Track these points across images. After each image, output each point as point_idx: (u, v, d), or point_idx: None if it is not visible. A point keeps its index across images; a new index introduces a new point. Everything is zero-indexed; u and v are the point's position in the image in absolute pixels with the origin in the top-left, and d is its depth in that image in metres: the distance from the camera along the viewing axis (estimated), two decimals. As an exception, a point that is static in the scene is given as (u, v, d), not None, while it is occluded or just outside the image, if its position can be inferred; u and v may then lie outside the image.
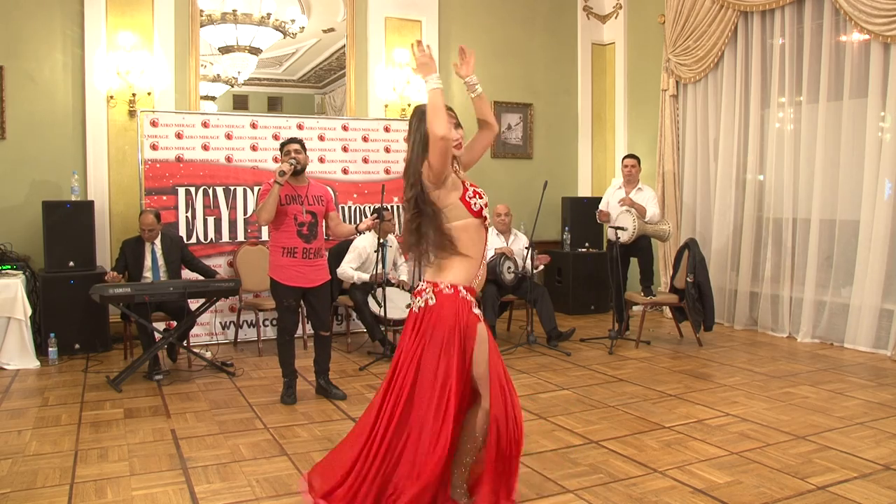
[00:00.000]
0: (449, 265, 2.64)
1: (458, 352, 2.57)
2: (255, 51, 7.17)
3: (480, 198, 2.67)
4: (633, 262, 6.58)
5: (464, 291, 2.62)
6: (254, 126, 6.40)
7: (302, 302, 4.53)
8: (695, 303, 5.95)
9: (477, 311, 2.64)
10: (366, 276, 5.82)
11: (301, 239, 4.34)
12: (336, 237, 4.87)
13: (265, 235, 6.40)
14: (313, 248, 4.38)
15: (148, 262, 5.42)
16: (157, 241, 5.46)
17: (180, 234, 6.03)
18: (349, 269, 5.78)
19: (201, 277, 5.52)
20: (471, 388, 2.64)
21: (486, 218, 2.68)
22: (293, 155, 4.32)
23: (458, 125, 2.72)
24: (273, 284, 4.42)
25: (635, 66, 8.06)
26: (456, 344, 2.57)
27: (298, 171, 4.35)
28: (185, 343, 5.36)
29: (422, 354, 2.60)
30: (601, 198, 6.88)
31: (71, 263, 5.70)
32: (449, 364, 2.56)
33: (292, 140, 4.42)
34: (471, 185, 2.68)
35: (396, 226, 6.25)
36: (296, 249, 4.33)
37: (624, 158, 6.66)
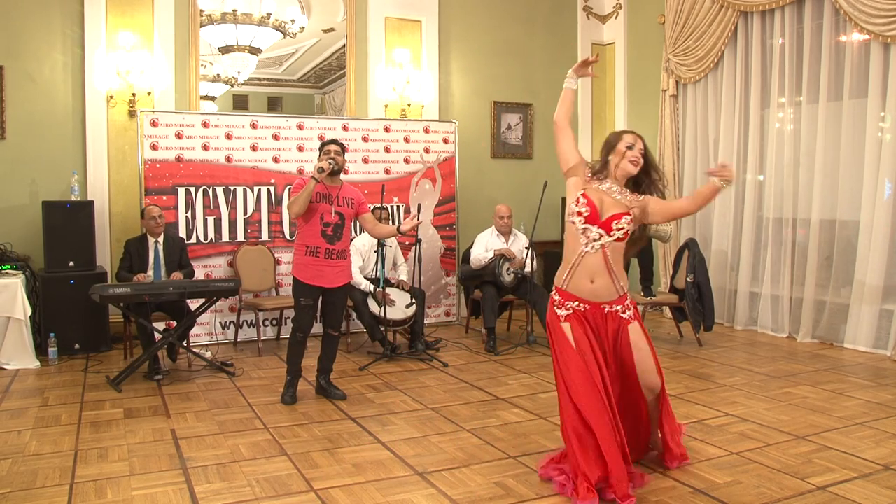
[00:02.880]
0: (562, 265, 3.12)
1: (553, 344, 3.08)
2: (255, 51, 7.17)
3: (584, 206, 2.99)
4: (634, 262, 6.57)
5: (554, 291, 3.09)
6: (254, 126, 6.40)
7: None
8: (695, 303, 5.95)
9: (561, 311, 3.02)
10: (364, 284, 5.83)
11: (324, 239, 4.37)
12: (376, 237, 4.95)
13: (265, 235, 6.41)
14: (336, 249, 4.42)
15: (151, 259, 5.43)
16: (161, 239, 5.48)
17: (181, 234, 6.03)
18: (357, 273, 5.79)
19: (200, 277, 5.54)
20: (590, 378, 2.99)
21: (580, 227, 3.01)
22: (332, 155, 4.39)
23: (643, 153, 3.09)
24: (294, 282, 4.48)
25: (635, 66, 8.06)
26: (551, 338, 3.09)
27: (335, 172, 4.41)
28: (185, 343, 5.36)
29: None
30: None
31: (71, 263, 5.70)
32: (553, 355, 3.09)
33: (332, 141, 4.53)
34: (583, 195, 3.01)
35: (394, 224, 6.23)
36: (318, 249, 4.37)
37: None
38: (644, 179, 3.12)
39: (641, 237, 3.23)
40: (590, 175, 3.08)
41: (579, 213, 2.98)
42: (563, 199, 7.96)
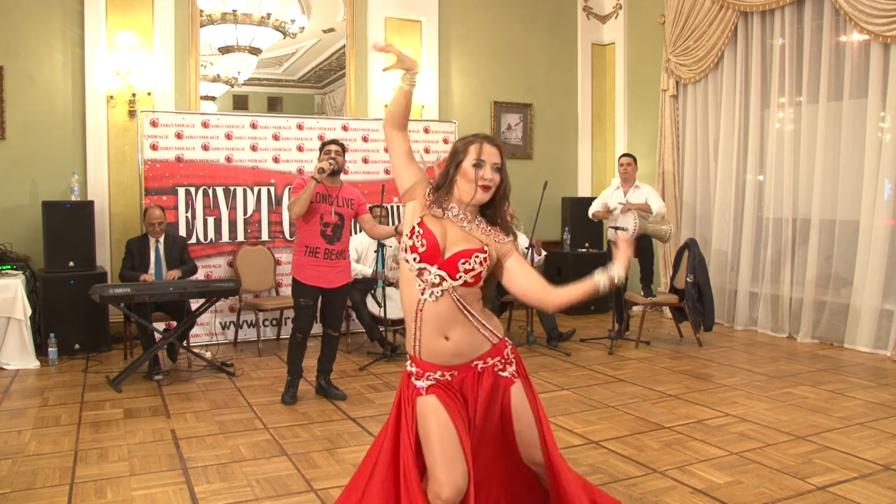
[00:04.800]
0: None
1: (395, 426, 2.22)
2: (255, 51, 7.17)
3: (419, 238, 2.18)
4: (634, 262, 6.57)
5: (409, 361, 2.26)
6: (254, 126, 6.40)
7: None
8: (695, 303, 5.95)
9: (422, 382, 2.20)
10: (368, 271, 5.82)
11: (324, 239, 4.38)
12: (375, 238, 4.95)
13: (265, 236, 6.41)
14: (335, 249, 4.42)
15: (152, 259, 5.43)
16: (161, 239, 5.49)
17: (181, 234, 6.02)
18: (355, 264, 5.79)
19: (200, 277, 5.54)
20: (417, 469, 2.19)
21: (415, 267, 2.17)
22: (332, 155, 4.39)
23: (498, 168, 2.22)
24: (293, 283, 4.47)
25: (635, 66, 8.06)
26: (402, 419, 2.21)
27: (335, 172, 4.41)
28: (185, 343, 5.36)
29: (386, 424, 2.30)
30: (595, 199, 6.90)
31: (71, 263, 5.70)
32: (388, 438, 2.23)
33: (333, 141, 4.52)
34: (420, 225, 2.19)
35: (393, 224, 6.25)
36: (318, 249, 4.37)
37: (620, 157, 6.67)
38: (488, 209, 2.27)
39: (491, 294, 2.34)
40: (430, 197, 2.25)
41: (413, 249, 2.17)
42: (564, 200, 8.00)
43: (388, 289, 5.70)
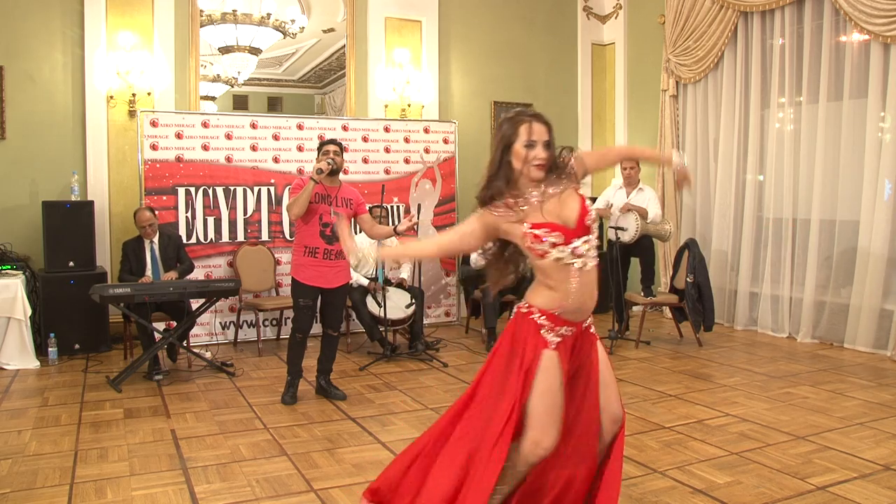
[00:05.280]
0: (536, 289, 2.36)
1: (517, 372, 2.29)
2: (255, 51, 7.17)
3: (550, 234, 2.25)
4: (634, 262, 6.58)
5: (538, 314, 2.31)
6: (254, 126, 6.40)
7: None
8: (695, 303, 5.96)
9: (552, 336, 2.29)
10: (364, 281, 5.83)
11: (323, 240, 4.37)
12: (374, 238, 4.91)
13: (265, 236, 6.41)
14: (335, 249, 4.41)
15: (148, 260, 5.43)
16: (156, 239, 5.48)
17: (180, 234, 6.02)
18: (352, 272, 5.79)
19: (200, 277, 5.54)
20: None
21: (566, 254, 2.27)
22: (331, 155, 4.37)
23: (548, 144, 2.30)
24: (293, 283, 4.47)
25: (635, 66, 8.06)
26: (516, 363, 2.30)
27: (334, 172, 4.40)
28: (185, 343, 5.36)
29: (487, 367, 2.39)
30: (597, 198, 6.90)
31: (71, 263, 5.70)
32: (510, 384, 2.29)
33: (331, 141, 4.50)
34: (535, 227, 2.26)
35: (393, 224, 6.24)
36: (317, 250, 4.37)
37: (622, 160, 6.65)
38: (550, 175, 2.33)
39: None
40: (501, 208, 2.32)
41: (554, 245, 2.26)
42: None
43: (388, 289, 5.70)
